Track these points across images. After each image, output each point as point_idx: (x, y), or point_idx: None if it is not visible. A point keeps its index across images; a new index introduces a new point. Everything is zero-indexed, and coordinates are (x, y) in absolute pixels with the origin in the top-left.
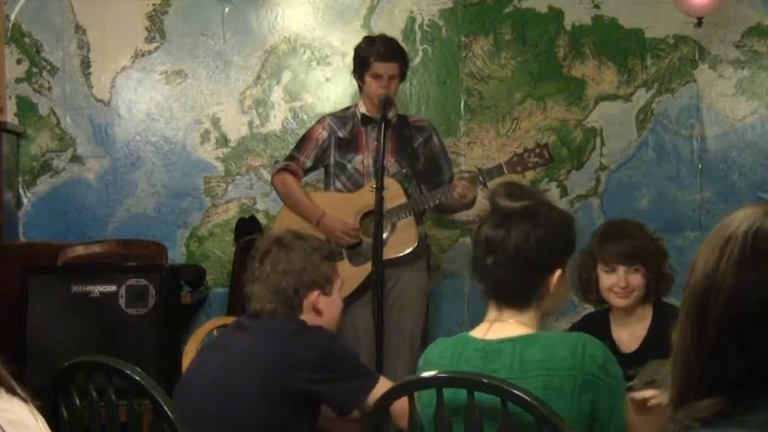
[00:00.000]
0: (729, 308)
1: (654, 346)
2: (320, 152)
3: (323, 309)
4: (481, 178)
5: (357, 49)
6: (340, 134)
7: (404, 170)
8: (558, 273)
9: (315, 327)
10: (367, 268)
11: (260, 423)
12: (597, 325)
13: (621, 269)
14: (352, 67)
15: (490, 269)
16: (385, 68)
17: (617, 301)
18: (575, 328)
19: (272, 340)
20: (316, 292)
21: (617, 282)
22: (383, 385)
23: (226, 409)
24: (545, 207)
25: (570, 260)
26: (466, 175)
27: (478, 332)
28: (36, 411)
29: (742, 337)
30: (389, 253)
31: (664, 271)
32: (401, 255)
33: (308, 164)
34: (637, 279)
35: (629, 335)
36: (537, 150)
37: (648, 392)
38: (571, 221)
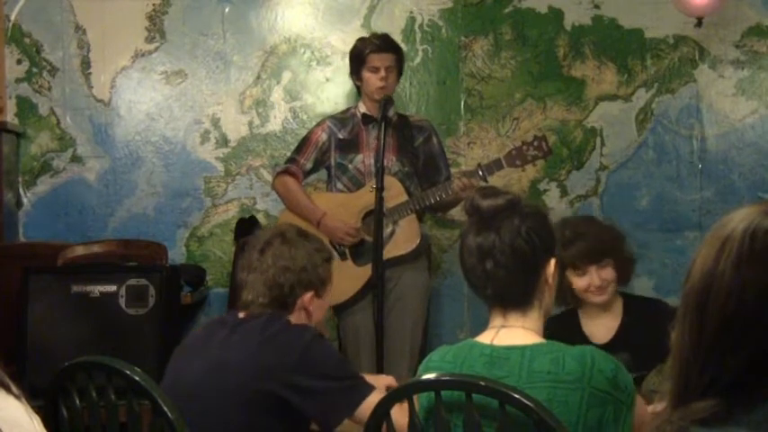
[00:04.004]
0: (728, 307)
1: (627, 335)
2: (320, 154)
3: (313, 310)
4: (481, 173)
5: (352, 49)
6: (340, 135)
7: (405, 168)
8: (553, 261)
9: (298, 327)
10: (370, 268)
11: (237, 429)
12: (566, 325)
13: (592, 269)
14: (349, 68)
15: (489, 274)
16: (381, 59)
17: (595, 299)
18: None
19: (251, 344)
20: (310, 293)
21: (591, 282)
22: (374, 398)
23: (203, 415)
24: (522, 201)
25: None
26: (465, 171)
27: (485, 338)
28: (30, 410)
29: (740, 336)
30: (393, 251)
31: (627, 255)
32: (405, 253)
33: (309, 166)
34: (608, 273)
35: (601, 327)
36: (535, 143)
37: (659, 406)
38: (547, 210)
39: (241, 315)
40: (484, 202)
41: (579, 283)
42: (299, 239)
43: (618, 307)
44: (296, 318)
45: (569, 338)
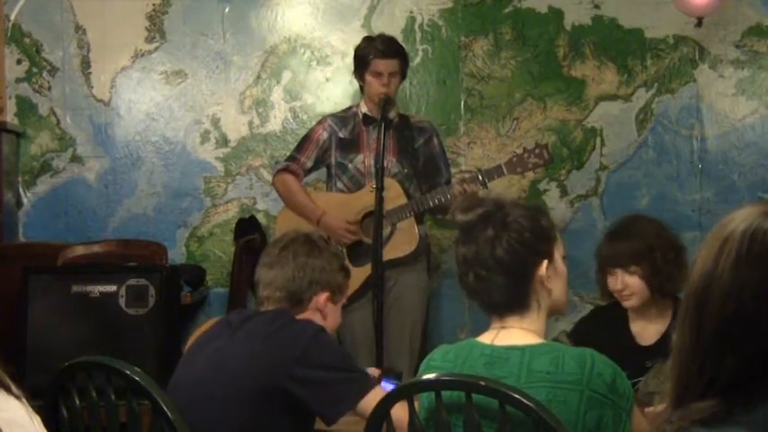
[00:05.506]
0: (727, 307)
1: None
2: (321, 153)
3: (328, 313)
4: (480, 178)
5: (357, 49)
6: (341, 134)
7: (405, 170)
8: (544, 264)
9: (302, 321)
10: (368, 269)
11: (244, 426)
12: (612, 318)
13: (618, 272)
14: (352, 67)
15: (474, 285)
16: (385, 65)
17: (623, 302)
18: (584, 323)
19: (254, 340)
20: (326, 294)
21: (615, 284)
22: (378, 393)
23: (209, 412)
24: (505, 207)
25: (558, 247)
26: (466, 176)
27: (486, 338)
28: (31, 410)
29: (739, 337)
30: (390, 254)
31: (664, 268)
32: (402, 255)
33: (309, 164)
34: (634, 280)
35: (648, 328)
36: (537, 151)
37: (660, 407)
38: (540, 212)
39: (243, 316)
40: (459, 217)
41: (610, 283)
42: (321, 242)
43: (667, 310)
44: (309, 317)
45: (613, 333)
